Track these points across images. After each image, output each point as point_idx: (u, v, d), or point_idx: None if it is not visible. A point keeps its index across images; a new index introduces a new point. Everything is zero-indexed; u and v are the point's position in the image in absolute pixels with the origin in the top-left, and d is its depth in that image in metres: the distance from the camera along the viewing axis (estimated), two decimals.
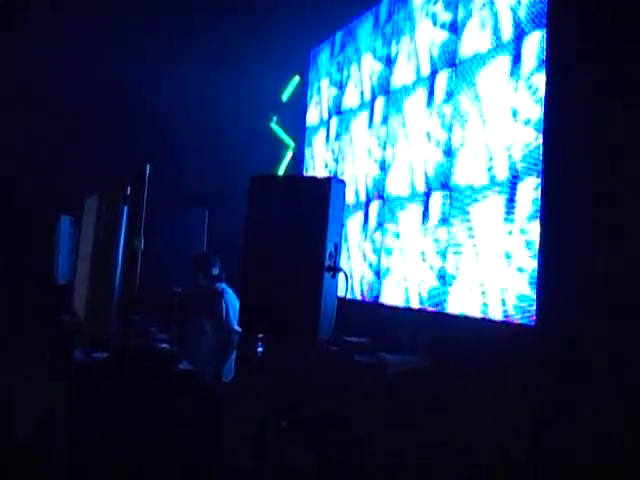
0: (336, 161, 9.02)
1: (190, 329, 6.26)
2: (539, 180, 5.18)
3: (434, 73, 6.83)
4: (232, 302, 6.16)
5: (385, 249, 7.40)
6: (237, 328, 6.07)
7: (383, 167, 7.69)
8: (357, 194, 8.21)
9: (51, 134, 8.93)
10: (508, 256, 5.43)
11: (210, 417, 4.95)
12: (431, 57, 6.92)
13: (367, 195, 8.03)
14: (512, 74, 5.62)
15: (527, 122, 5.38)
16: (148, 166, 4.26)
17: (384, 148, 7.70)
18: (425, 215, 6.69)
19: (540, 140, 5.21)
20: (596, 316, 4.49)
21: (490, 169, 5.78)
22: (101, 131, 9.04)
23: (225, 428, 5.33)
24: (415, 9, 7.33)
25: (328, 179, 4.49)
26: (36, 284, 8.32)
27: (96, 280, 4.21)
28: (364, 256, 7.88)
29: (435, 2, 6.94)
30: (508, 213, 5.52)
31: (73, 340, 5.06)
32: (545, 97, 5.20)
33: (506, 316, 5.43)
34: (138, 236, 4.23)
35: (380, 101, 7.93)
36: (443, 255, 6.29)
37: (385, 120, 7.76)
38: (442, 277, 6.28)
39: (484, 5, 6.09)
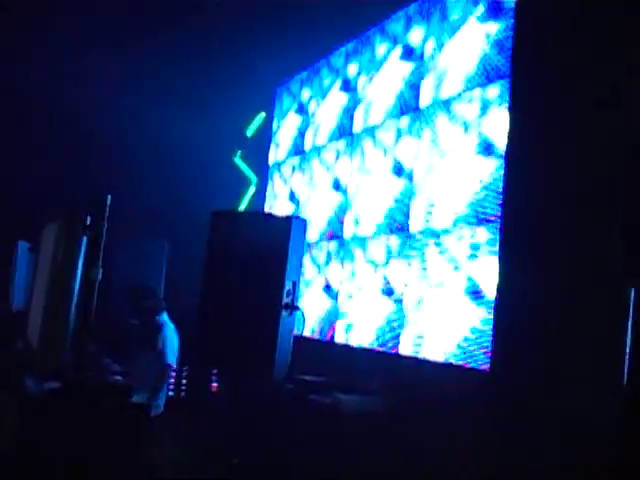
0: (295, 200, 9.03)
1: (133, 361, 6.22)
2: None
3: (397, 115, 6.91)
4: (170, 336, 6.15)
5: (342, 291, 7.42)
6: (171, 363, 6.08)
7: (342, 207, 7.72)
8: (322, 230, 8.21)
9: (11, 159, 8.84)
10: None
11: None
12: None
13: (324, 233, 8.06)
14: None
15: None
16: (109, 196, 4.25)
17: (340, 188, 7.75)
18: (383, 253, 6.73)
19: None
20: (548, 363, 4.53)
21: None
22: (62, 158, 8.96)
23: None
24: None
25: (289, 217, 4.52)
26: None
27: (51, 309, 4.16)
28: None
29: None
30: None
31: (25, 369, 4.98)
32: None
33: (462, 358, 5.46)
34: (96, 266, 4.20)
35: (341, 142, 7.99)
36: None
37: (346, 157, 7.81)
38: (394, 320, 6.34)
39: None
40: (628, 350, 3.13)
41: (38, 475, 4.11)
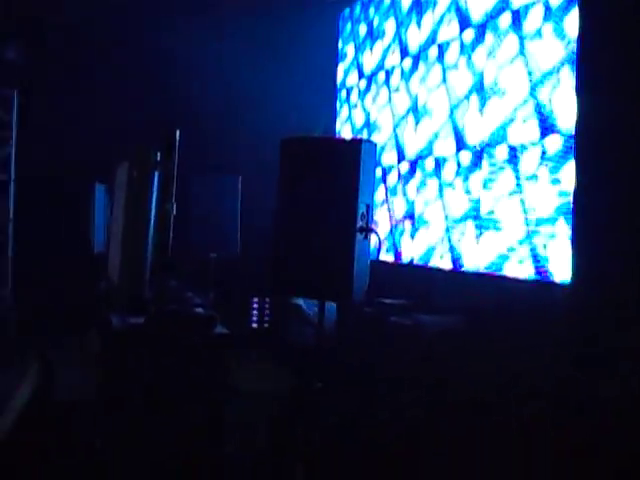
0: (368, 125, 8.95)
1: None
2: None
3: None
4: None
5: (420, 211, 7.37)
6: None
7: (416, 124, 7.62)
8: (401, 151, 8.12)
9: (81, 101, 8.95)
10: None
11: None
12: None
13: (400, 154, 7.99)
14: None
15: None
16: (178, 131, 4.26)
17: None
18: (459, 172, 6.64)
19: None
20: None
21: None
22: (132, 96, 9.02)
23: None
24: None
25: (359, 141, 4.47)
26: (73, 253, 8.39)
27: (129, 245, 4.22)
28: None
29: None
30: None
31: (110, 307, 5.11)
32: None
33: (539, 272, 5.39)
34: (170, 201, 4.24)
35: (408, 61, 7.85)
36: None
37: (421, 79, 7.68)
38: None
39: None
40: None
41: (124, 409, 4.23)
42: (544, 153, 5.43)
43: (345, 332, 6.28)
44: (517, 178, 5.75)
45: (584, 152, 4.97)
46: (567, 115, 5.18)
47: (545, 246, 5.34)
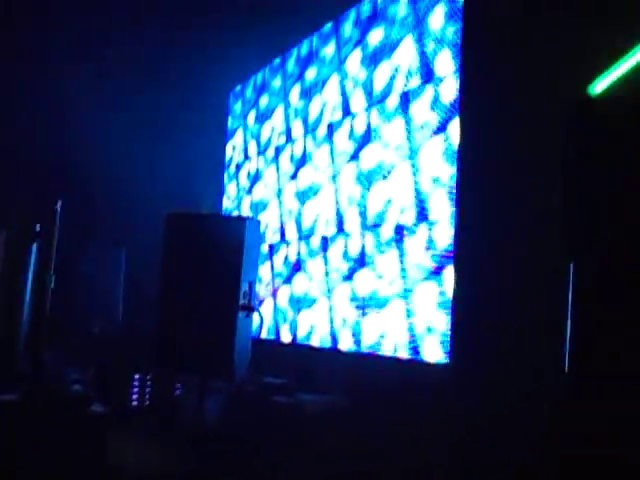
0: (254, 206, 8.98)
1: None
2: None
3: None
4: None
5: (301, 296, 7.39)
6: None
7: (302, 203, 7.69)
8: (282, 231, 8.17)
9: None
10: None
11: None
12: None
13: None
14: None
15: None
16: (59, 201, 4.20)
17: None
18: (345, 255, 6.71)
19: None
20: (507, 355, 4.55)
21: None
22: (13, 161, 8.78)
23: None
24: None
25: (243, 218, 4.50)
26: None
27: (3, 315, 4.09)
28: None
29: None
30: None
31: None
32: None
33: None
34: (48, 273, 4.15)
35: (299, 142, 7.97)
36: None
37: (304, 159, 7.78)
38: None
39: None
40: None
41: None
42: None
43: (231, 411, 6.19)
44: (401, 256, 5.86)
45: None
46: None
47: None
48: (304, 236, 7.50)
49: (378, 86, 6.51)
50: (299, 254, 7.53)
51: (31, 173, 8.61)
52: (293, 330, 7.40)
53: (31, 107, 8.80)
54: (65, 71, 8.71)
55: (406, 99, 6.04)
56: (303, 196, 7.67)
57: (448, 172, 5.36)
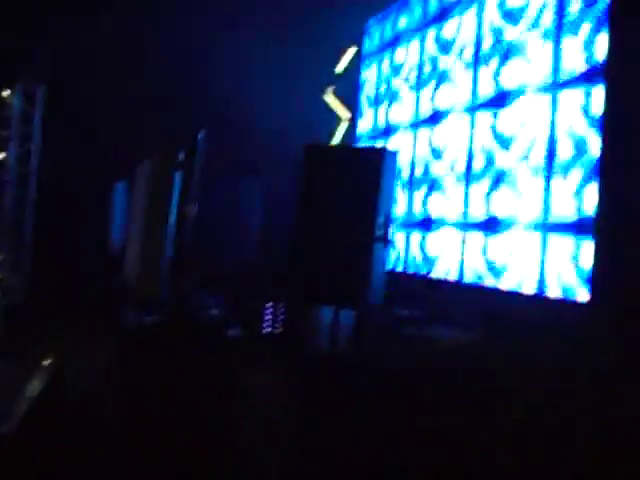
0: (386, 132, 8.91)
1: None
2: None
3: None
4: None
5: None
6: None
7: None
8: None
9: (105, 99, 8.96)
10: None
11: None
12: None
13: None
14: None
15: None
16: (202, 132, 4.27)
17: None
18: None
19: None
20: None
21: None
22: (155, 96, 9.01)
23: None
24: None
25: (380, 150, 4.46)
26: (90, 249, 8.41)
27: (148, 245, 4.24)
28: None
29: None
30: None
31: (125, 304, 5.11)
32: None
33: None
34: (190, 202, 4.24)
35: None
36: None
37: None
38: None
39: None
40: None
41: (134, 406, 4.21)
42: None
43: (361, 340, 6.25)
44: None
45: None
46: None
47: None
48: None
49: None
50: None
51: (176, 106, 8.84)
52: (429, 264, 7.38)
53: (179, 46, 9.01)
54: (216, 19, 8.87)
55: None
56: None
57: None
